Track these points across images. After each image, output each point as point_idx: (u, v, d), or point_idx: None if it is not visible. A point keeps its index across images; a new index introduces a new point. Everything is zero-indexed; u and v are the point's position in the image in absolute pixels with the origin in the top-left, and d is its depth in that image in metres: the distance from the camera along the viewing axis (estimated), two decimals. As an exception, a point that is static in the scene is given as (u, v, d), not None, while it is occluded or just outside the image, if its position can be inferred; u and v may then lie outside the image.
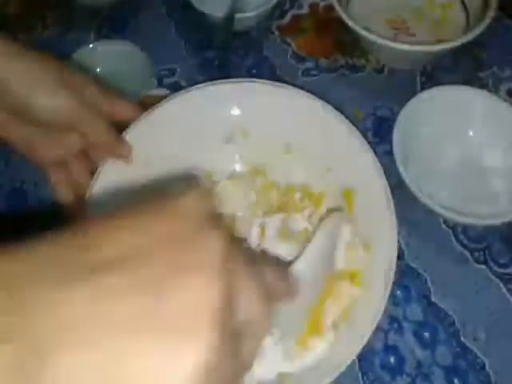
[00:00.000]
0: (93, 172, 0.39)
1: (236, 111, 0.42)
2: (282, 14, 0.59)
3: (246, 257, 0.20)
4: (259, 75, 0.54)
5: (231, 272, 0.18)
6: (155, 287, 0.16)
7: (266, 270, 0.23)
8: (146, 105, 0.43)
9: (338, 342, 0.34)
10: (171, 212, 0.19)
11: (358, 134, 0.38)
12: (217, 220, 0.20)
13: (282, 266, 0.35)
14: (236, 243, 0.20)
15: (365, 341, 0.31)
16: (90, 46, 0.55)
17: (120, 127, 0.40)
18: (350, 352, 0.31)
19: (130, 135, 0.40)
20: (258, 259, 0.23)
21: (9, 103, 0.36)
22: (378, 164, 0.37)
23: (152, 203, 0.20)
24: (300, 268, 0.34)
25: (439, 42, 0.48)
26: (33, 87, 0.36)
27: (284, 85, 0.41)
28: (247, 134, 0.43)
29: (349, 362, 0.31)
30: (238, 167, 0.44)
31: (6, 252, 0.16)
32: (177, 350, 0.15)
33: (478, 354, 0.37)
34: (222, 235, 0.19)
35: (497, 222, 0.39)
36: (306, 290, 0.32)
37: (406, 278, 0.41)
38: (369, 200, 0.37)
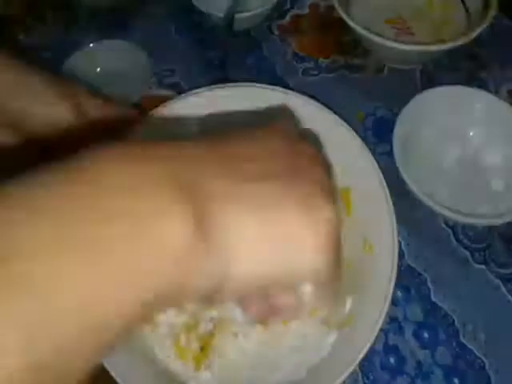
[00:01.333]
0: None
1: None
2: (282, 14, 0.59)
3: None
4: (259, 75, 0.54)
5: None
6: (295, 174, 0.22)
7: None
8: (146, 105, 0.43)
9: (340, 347, 0.34)
10: (275, 131, 0.24)
11: (355, 135, 0.38)
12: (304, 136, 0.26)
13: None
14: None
15: (367, 347, 0.31)
16: (90, 45, 0.55)
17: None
18: (351, 358, 0.31)
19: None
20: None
21: (6, 117, 0.35)
22: (376, 165, 0.37)
23: (257, 127, 0.24)
24: None
25: (439, 42, 0.48)
26: (31, 100, 0.35)
27: (280, 88, 0.41)
28: None
29: (351, 369, 0.31)
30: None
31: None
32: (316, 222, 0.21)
33: (478, 354, 0.37)
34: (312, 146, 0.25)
35: (497, 222, 0.38)
36: None
37: (405, 278, 0.41)
38: (368, 200, 0.37)
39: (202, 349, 0.36)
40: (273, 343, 0.36)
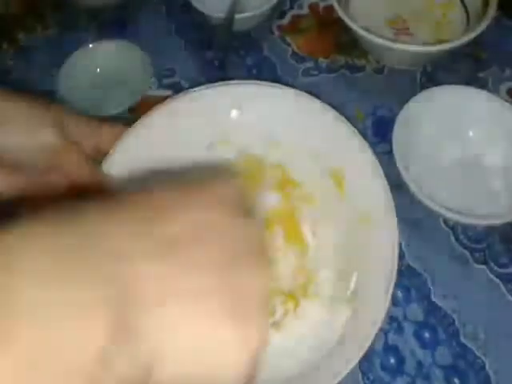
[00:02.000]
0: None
1: (234, 113, 0.42)
2: (282, 14, 0.59)
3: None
4: (259, 75, 0.54)
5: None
6: (226, 266, 0.20)
7: None
8: (146, 104, 0.42)
9: (339, 349, 0.34)
10: (212, 195, 0.22)
11: (356, 133, 0.38)
12: (248, 208, 0.23)
13: None
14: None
15: (365, 349, 0.31)
16: (90, 46, 0.55)
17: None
18: (350, 359, 0.31)
19: (127, 139, 0.39)
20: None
21: None
22: (377, 163, 0.37)
23: (190, 185, 0.22)
24: None
25: (439, 42, 0.48)
26: (15, 128, 0.34)
27: (281, 85, 0.41)
28: (246, 134, 0.43)
29: (349, 369, 0.31)
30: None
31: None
32: (247, 337, 0.19)
33: (478, 354, 0.37)
34: (257, 222, 0.23)
35: (497, 222, 0.38)
36: None
37: (405, 278, 0.41)
38: (369, 200, 0.37)
39: None
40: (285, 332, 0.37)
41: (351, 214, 0.38)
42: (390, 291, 0.32)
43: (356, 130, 0.38)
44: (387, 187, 0.36)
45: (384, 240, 0.34)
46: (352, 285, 0.36)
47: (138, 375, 0.18)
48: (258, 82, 0.42)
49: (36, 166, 0.35)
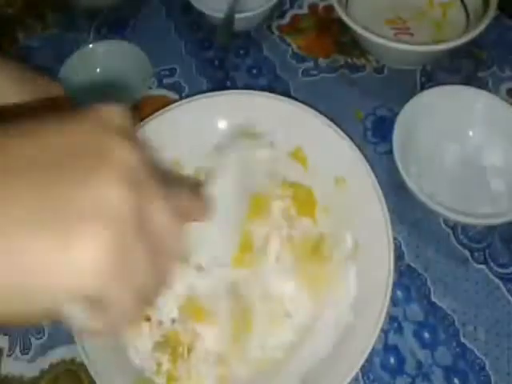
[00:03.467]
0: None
1: (223, 123, 0.43)
2: (282, 14, 0.59)
3: (159, 175, 0.21)
4: (259, 75, 0.54)
5: (142, 184, 0.19)
6: (58, 184, 0.17)
7: (179, 191, 0.23)
8: (146, 104, 0.43)
9: (340, 353, 0.34)
10: (87, 119, 0.20)
11: (346, 138, 0.40)
12: (132, 133, 0.21)
13: (196, 188, 0.36)
14: (150, 160, 0.21)
15: (366, 353, 0.31)
16: (90, 46, 0.55)
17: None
18: (351, 364, 0.31)
19: None
20: (172, 180, 0.23)
21: None
22: (369, 169, 0.38)
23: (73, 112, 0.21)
24: (217, 191, 0.37)
25: (439, 41, 0.48)
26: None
27: (269, 94, 0.43)
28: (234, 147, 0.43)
29: (351, 375, 0.31)
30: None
31: None
32: (70, 246, 0.17)
33: (478, 354, 0.37)
34: (136, 147, 0.19)
35: (497, 221, 0.38)
36: (227, 211, 0.36)
37: (405, 278, 0.41)
38: (361, 200, 0.38)
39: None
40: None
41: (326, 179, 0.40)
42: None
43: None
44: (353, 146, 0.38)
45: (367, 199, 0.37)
46: (348, 243, 0.38)
47: None
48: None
49: None
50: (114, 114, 0.21)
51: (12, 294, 0.17)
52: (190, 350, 0.36)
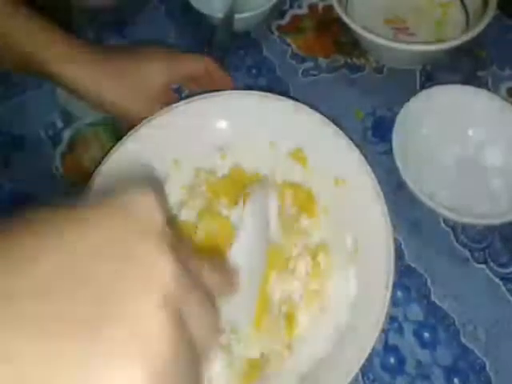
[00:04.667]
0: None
1: (223, 124, 0.43)
2: (282, 14, 0.59)
3: (186, 262, 0.18)
4: (259, 75, 0.54)
5: (179, 297, 0.16)
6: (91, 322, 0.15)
7: (204, 267, 0.21)
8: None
9: (341, 352, 0.34)
10: (115, 216, 0.16)
11: (346, 138, 0.39)
12: (171, 235, 0.17)
13: (218, 258, 0.35)
14: (187, 260, 0.18)
15: (368, 352, 0.31)
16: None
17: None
18: (353, 363, 0.31)
19: (113, 154, 0.40)
20: (195, 258, 0.21)
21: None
22: (369, 169, 0.38)
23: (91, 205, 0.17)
24: (238, 255, 0.35)
25: (439, 41, 0.48)
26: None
27: (269, 94, 0.42)
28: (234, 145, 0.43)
29: (353, 374, 0.31)
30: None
31: None
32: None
33: (478, 354, 0.37)
34: (176, 257, 0.17)
35: (497, 221, 0.38)
36: (248, 274, 0.34)
37: (405, 278, 0.41)
38: (361, 200, 0.38)
39: None
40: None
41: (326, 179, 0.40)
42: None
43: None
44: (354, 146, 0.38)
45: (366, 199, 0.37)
46: (348, 245, 0.38)
47: None
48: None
49: None
50: (150, 209, 0.17)
51: None
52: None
